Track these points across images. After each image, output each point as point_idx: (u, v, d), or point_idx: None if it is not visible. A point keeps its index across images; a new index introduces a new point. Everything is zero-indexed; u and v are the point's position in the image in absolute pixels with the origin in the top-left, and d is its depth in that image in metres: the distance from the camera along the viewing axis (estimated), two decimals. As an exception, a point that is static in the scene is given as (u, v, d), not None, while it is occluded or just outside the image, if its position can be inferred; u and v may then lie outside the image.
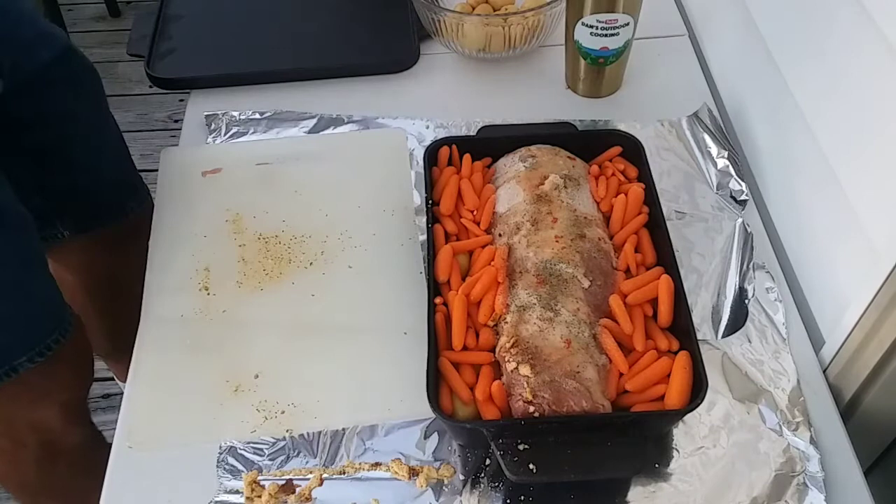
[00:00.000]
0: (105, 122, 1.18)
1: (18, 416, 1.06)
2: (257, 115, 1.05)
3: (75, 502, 1.25)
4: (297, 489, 0.74)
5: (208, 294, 0.88)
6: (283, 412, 0.79)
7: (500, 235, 0.84)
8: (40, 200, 1.06)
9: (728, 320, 0.84)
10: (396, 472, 0.74)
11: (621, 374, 0.74)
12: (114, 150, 1.21)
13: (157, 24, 1.15)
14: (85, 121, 1.13)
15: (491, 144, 0.92)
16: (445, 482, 0.74)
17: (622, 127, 0.98)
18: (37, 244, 0.99)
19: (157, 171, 0.99)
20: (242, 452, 0.76)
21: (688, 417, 0.76)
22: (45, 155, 1.08)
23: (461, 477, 0.74)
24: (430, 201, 0.86)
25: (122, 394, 0.84)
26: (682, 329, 0.76)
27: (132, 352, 1.45)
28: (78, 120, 1.11)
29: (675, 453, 0.75)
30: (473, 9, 1.11)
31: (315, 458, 0.76)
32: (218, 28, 1.19)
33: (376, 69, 1.11)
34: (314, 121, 1.04)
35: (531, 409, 0.70)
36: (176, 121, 2.32)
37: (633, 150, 0.90)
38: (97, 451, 1.25)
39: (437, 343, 0.75)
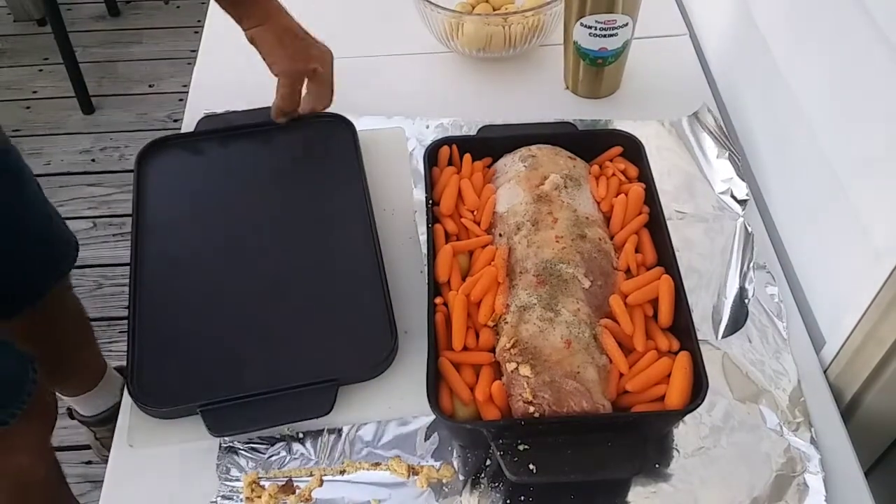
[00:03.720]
0: (24, 204, 1.12)
1: None
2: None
3: None
4: (297, 489, 0.74)
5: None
6: (283, 412, 0.79)
7: (500, 235, 0.84)
8: None
9: (728, 320, 0.84)
10: (396, 471, 0.74)
11: (622, 375, 0.73)
12: (35, 228, 1.16)
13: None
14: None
15: (491, 144, 0.92)
16: (445, 482, 0.74)
17: (622, 127, 0.98)
18: None
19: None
20: (242, 452, 0.76)
21: (688, 418, 0.76)
22: None
23: (461, 477, 0.74)
24: (431, 201, 0.85)
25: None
26: (682, 329, 0.76)
27: (71, 375, 1.41)
28: None
29: (675, 453, 0.75)
30: (473, 8, 1.11)
31: (315, 458, 0.76)
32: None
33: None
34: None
35: (531, 409, 0.70)
36: (175, 120, 2.32)
37: (633, 150, 0.90)
38: (60, 478, 1.25)
39: (437, 343, 0.75)
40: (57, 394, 1.50)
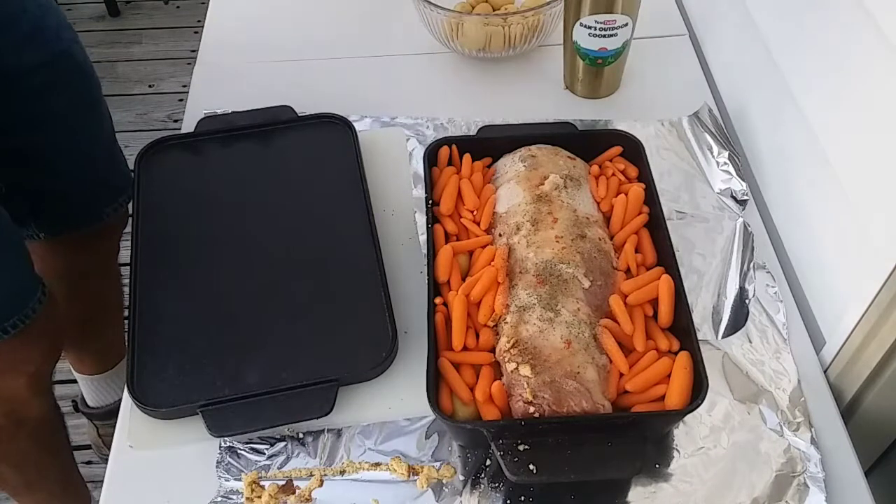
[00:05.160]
0: (92, 125, 1.17)
1: None
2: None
3: (33, 475, 1.28)
4: (297, 489, 0.74)
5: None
6: (283, 412, 0.79)
7: (500, 235, 0.84)
8: (15, 202, 1.06)
9: (728, 320, 0.84)
10: (396, 470, 0.74)
11: (622, 375, 0.73)
12: (101, 154, 1.21)
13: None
14: (69, 125, 1.12)
15: (491, 144, 0.92)
16: (445, 482, 0.74)
17: (622, 127, 0.98)
18: (5, 222, 1.00)
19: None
20: (242, 452, 0.76)
21: (688, 418, 0.76)
22: (22, 158, 1.07)
23: (461, 477, 0.74)
24: (431, 201, 0.85)
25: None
26: (682, 329, 0.76)
27: (94, 342, 1.46)
28: (61, 125, 1.10)
29: (675, 454, 0.75)
30: (473, 8, 1.11)
31: (315, 458, 0.76)
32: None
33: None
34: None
35: (531, 409, 0.70)
36: (175, 121, 2.32)
37: (633, 150, 0.90)
38: (56, 426, 1.28)
39: (437, 343, 0.75)
40: (74, 372, 1.53)
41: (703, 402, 0.69)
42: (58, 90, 1.08)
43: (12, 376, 1.09)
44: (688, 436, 0.76)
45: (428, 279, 0.79)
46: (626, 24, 0.99)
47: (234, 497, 0.74)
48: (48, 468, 1.31)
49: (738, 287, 0.86)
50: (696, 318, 0.82)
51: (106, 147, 1.22)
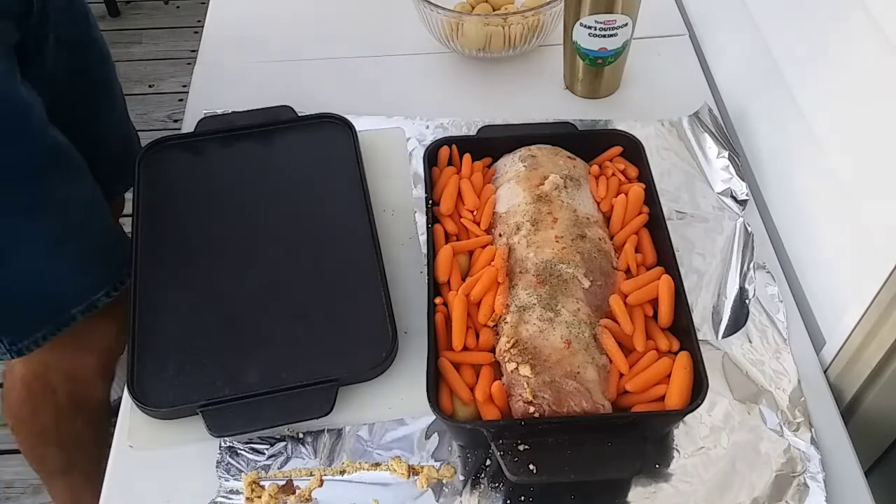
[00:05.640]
0: (106, 102, 1.18)
1: (61, 361, 1.09)
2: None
3: (79, 459, 1.27)
4: (297, 489, 0.74)
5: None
6: (283, 412, 0.79)
7: (500, 235, 0.84)
8: None
9: (728, 320, 0.84)
10: (396, 470, 0.74)
11: (622, 375, 0.73)
12: (114, 133, 1.22)
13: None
14: (87, 102, 1.13)
15: (491, 144, 0.92)
16: (445, 482, 0.74)
17: (622, 127, 0.98)
18: (95, 185, 1.02)
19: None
20: (242, 452, 0.76)
21: (688, 418, 0.76)
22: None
23: (461, 477, 0.74)
24: (431, 201, 0.85)
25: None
26: (682, 329, 0.76)
27: None
28: (82, 102, 1.12)
29: (675, 454, 0.75)
30: (473, 8, 1.11)
31: (315, 458, 0.76)
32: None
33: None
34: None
35: (531, 409, 0.70)
36: (175, 121, 2.32)
37: (633, 150, 0.90)
38: (108, 415, 1.27)
39: (437, 343, 0.75)
40: None
41: (703, 402, 0.69)
42: (79, 68, 1.09)
43: (86, 353, 1.10)
44: (688, 436, 0.76)
45: (428, 279, 0.79)
46: (626, 24, 0.99)
47: (234, 497, 0.74)
48: (90, 457, 1.30)
49: (738, 287, 0.86)
50: (696, 318, 0.82)
51: (119, 126, 1.23)
